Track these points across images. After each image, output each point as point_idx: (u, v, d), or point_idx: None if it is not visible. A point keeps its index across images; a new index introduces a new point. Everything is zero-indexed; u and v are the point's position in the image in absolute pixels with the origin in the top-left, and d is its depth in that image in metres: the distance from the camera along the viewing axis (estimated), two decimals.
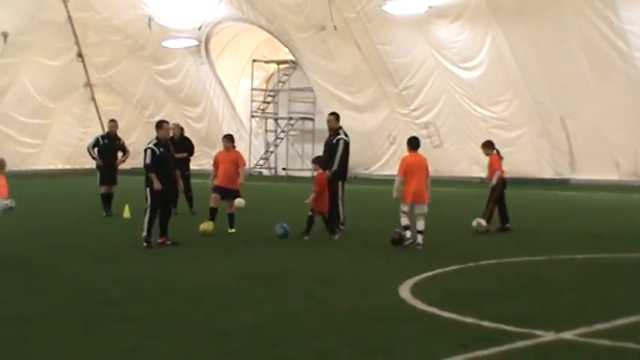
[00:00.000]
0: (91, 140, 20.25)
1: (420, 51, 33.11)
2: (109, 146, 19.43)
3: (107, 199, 19.01)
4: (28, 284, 10.39)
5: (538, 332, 7.52)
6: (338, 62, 35.44)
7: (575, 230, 16.74)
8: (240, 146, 42.20)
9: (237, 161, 15.83)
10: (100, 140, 19.53)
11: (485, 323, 7.90)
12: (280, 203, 22.93)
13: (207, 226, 15.39)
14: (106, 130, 20.20)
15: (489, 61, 31.27)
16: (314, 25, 34.39)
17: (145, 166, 13.69)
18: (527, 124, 31.49)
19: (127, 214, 18.14)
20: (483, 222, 15.63)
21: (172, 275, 11.13)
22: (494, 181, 15.91)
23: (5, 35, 37.25)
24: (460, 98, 32.95)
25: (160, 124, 14.16)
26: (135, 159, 21.77)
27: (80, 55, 41.76)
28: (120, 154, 19.61)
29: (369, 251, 13.41)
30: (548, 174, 31.75)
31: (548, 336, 7.44)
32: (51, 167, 40.59)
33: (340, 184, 15.72)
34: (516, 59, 30.44)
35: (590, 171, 30.54)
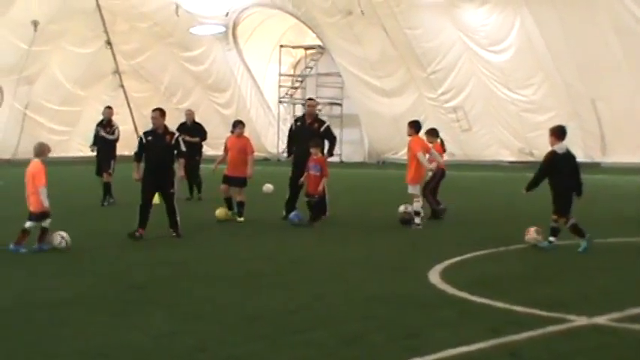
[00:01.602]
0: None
1: (448, 35, 32.92)
2: (100, 134, 19.11)
3: (107, 188, 18.68)
4: (62, 270, 10.49)
5: (570, 317, 7.46)
6: (365, 47, 35.31)
7: (607, 214, 16.59)
8: (270, 131, 42.53)
9: (246, 148, 15.66)
10: (96, 129, 19.21)
11: (517, 308, 7.86)
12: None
13: (221, 212, 15.36)
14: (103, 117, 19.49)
15: (518, 44, 31.01)
16: (341, 9, 34.28)
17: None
18: (557, 107, 31.17)
19: (156, 200, 18.18)
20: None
21: (200, 260, 11.18)
22: (431, 166, 14.91)
23: (36, 24, 37.50)
24: (489, 82, 32.72)
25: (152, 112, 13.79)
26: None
27: (109, 42, 41.97)
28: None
29: (398, 236, 13.37)
30: (578, 157, 30.79)
31: (581, 320, 7.38)
32: (81, 154, 40.88)
33: None
34: (545, 42, 30.14)
35: (621, 154, 30.24)
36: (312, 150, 14.65)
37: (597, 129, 30.67)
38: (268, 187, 21.23)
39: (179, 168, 13.53)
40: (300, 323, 7.46)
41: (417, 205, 14.22)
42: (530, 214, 16.39)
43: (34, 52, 38.58)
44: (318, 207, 14.77)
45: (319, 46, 39.41)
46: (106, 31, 41.48)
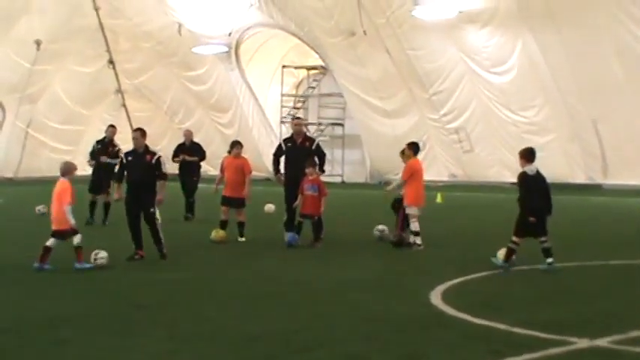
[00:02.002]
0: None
1: (450, 56, 33.01)
2: (101, 152, 18.78)
3: (93, 207, 18.54)
4: (63, 288, 10.48)
5: (572, 339, 7.44)
6: (368, 67, 35.41)
7: (608, 236, 16.56)
8: (271, 151, 42.30)
9: (244, 169, 15.61)
10: (95, 145, 18.96)
11: (518, 330, 7.84)
12: None
13: (217, 234, 15.19)
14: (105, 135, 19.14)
15: (520, 66, 31.08)
16: (344, 30, 34.40)
17: None
18: (559, 128, 31.23)
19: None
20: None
21: (202, 280, 11.17)
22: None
23: (38, 43, 37.68)
24: (490, 103, 32.78)
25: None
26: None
27: (111, 61, 42.12)
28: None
29: (400, 257, 13.35)
30: (580, 179, 31.45)
31: (582, 343, 7.35)
32: (83, 173, 40.96)
33: None
34: (547, 63, 30.21)
35: (623, 176, 30.22)
36: (308, 170, 14.58)
37: (599, 150, 30.69)
38: (270, 207, 21.24)
39: (159, 190, 13.05)
40: (300, 343, 7.44)
41: (415, 225, 14.20)
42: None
43: (37, 71, 38.74)
44: (317, 227, 14.69)
45: (321, 66, 39.54)
46: (108, 51, 41.64)
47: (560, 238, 16.02)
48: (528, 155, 12.15)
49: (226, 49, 39.33)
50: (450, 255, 13.47)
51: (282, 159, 15.76)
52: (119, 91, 43.66)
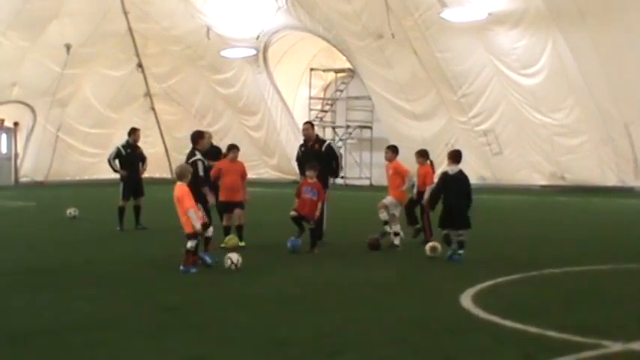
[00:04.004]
0: (111, 150, 19.07)
1: (478, 58, 32.84)
2: (132, 156, 18.60)
3: (132, 212, 18.32)
4: (96, 292, 10.53)
5: (605, 342, 7.35)
6: (396, 70, 35.33)
7: None
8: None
9: (242, 173, 15.35)
10: (122, 150, 18.52)
11: (550, 333, 7.76)
12: (338, 212, 22.81)
13: (232, 241, 14.71)
14: (128, 138, 18.82)
15: (550, 68, 30.84)
16: (372, 33, 34.35)
17: None
18: (590, 131, 30.95)
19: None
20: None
21: (231, 283, 11.17)
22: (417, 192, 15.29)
23: (68, 47, 38.05)
24: (520, 105, 32.56)
25: None
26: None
27: (140, 65, 42.42)
28: (141, 164, 18.85)
29: (430, 259, 13.29)
30: (611, 182, 31.14)
31: (616, 346, 7.27)
32: (112, 176, 41.35)
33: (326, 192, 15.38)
34: (578, 65, 29.95)
35: None
36: (308, 173, 14.53)
37: (631, 153, 30.38)
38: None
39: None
40: (332, 347, 7.42)
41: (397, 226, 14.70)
42: (563, 238, 16.29)
43: (67, 75, 39.14)
44: (314, 233, 14.40)
45: (349, 69, 39.49)
46: (137, 54, 41.94)
47: (592, 242, 15.92)
48: (455, 157, 13.35)
49: (254, 52, 39.43)
50: (479, 257, 13.37)
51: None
52: (148, 94, 43.94)
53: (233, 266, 11.87)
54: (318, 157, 15.34)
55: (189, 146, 13.84)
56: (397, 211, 14.86)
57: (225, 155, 15.95)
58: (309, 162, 14.82)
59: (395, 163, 15.49)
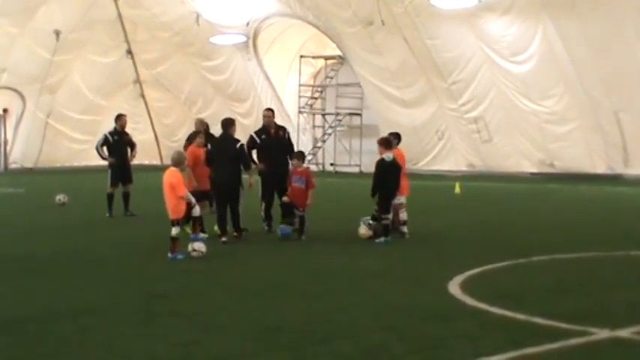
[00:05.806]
0: (98, 138, 18.89)
1: (468, 45, 32.83)
2: (119, 143, 18.37)
3: (121, 199, 18.19)
4: (86, 278, 10.56)
5: (592, 330, 7.41)
6: (386, 57, 35.29)
7: (629, 227, 16.45)
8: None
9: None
10: (109, 137, 18.25)
11: (537, 320, 7.82)
12: (328, 199, 22.88)
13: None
14: (115, 125, 18.53)
15: (540, 55, 30.86)
16: (361, 20, 34.28)
17: None
18: (579, 118, 31.01)
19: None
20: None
21: (221, 270, 11.21)
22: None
23: (58, 33, 37.86)
24: (509, 92, 32.58)
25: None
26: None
27: (130, 51, 42.24)
28: (129, 150, 18.72)
29: (418, 247, 13.35)
30: (600, 169, 31.23)
31: (603, 333, 7.33)
32: (101, 163, 41.24)
33: None
34: (568, 52, 29.98)
35: None
36: (295, 162, 14.47)
37: (620, 141, 30.44)
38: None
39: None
40: (320, 333, 7.47)
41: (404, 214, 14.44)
42: (552, 225, 16.36)
43: (56, 62, 38.94)
44: (303, 220, 14.32)
45: (339, 56, 39.43)
46: (127, 41, 41.75)
47: (580, 229, 16.01)
48: (387, 143, 13.70)
49: (244, 39, 39.33)
50: (468, 245, 13.44)
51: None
52: (137, 81, 43.77)
53: (197, 253, 11.93)
54: (283, 144, 15.19)
55: (179, 132, 13.78)
56: (403, 199, 14.47)
57: (192, 141, 15.31)
58: (283, 150, 14.95)
59: (397, 151, 15.08)
